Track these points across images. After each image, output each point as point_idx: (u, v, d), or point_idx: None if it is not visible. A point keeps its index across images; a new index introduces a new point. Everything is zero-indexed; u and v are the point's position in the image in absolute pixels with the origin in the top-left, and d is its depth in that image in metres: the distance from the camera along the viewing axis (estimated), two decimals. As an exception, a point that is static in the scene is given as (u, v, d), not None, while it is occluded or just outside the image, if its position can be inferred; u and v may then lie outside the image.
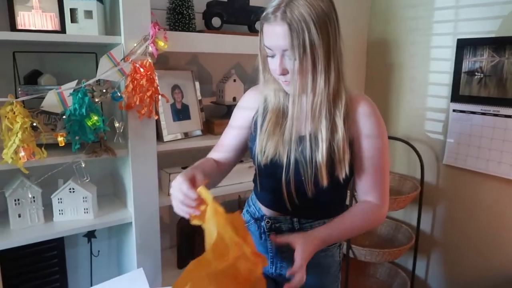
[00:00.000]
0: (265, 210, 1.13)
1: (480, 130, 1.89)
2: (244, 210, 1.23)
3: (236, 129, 1.14)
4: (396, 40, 2.22)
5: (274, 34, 0.90)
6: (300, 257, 0.91)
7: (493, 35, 1.80)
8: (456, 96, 1.96)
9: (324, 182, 0.98)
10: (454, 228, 2.07)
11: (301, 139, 1.00)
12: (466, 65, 1.92)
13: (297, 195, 1.02)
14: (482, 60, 1.86)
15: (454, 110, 1.98)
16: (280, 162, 1.00)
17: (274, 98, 1.03)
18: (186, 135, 1.66)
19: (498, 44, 1.79)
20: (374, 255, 2.00)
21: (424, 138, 2.14)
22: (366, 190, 1.07)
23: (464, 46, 1.91)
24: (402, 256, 2.18)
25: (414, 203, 2.12)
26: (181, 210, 0.92)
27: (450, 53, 1.98)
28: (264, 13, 0.92)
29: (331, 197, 1.08)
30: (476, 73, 1.88)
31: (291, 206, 1.04)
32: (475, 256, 1.99)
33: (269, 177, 1.06)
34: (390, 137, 2.13)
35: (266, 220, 1.11)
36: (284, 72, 0.93)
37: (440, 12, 2.00)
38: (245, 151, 1.18)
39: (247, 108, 1.12)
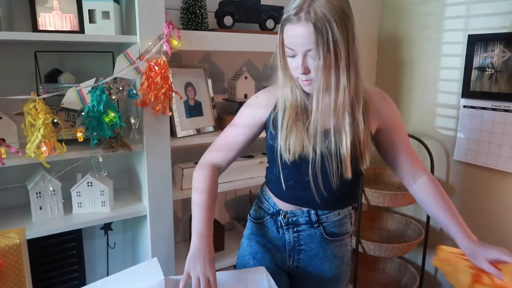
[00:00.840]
0: (281, 205, 1.16)
1: (491, 126, 1.89)
2: (256, 207, 1.25)
3: (243, 128, 1.15)
4: (407, 37, 2.22)
5: (298, 34, 0.92)
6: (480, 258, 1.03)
7: (505, 31, 1.80)
8: (466, 92, 1.97)
9: (349, 174, 1.03)
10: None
11: (326, 134, 1.03)
12: (477, 61, 1.92)
13: (324, 188, 1.06)
14: (493, 56, 1.86)
15: (464, 106, 1.99)
16: (306, 157, 1.03)
17: (291, 96, 1.04)
18: (199, 131, 1.71)
19: (509, 40, 1.79)
20: (383, 249, 2.02)
21: (434, 134, 2.15)
22: (414, 167, 1.16)
23: (475, 42, 1.91)
24: (411, 252, 2.19)
25: (424, 199, 2.13)
26: None
27: (461, 49, 1.98)
28: (285, 15, 0.95)
29: (351, 187, 1.12)
30: (487, 69, 1.89)
31: (319, 198, 1.08)
32: (485, 252, 1.99)
33: (293, 172, 1.08)
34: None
35: (283, 215, 1.15)
36: (306, 71, 0.96)
37: (451, 8, 2.01)
38: (246, 150, 1.20)
39: (258, 107, 1.13)
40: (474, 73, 1.93)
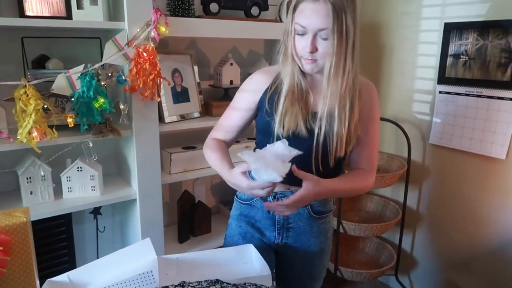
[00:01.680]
0: None
1: (464, 110, 2.00)
2: None
3: (241, 111, 1.21)
4: (387, 23, 2.29)
5: (315, 12, 0.99)
6: (297, 197, 1.03)
7: (481, 19, 1.88)
8: (442, 78, 2.06)
9: (342, 152, 1.11)
10: (438, 204, 2.19)
11: (322, 114, 1.10)
12: (452, 48, 2.01)
13: (314, 166, 1.13)
14: (468, 43, 1.95)
15: (440, 92, 2.08)
16: (300, 135, 1.10)
17: (290, 78, 1.11)
18: (186, 117, 1.74)
19: (482, 28, 1.88)
20: (362, 229, 2.12)
21: (411, 119, 2.24)
22: (363, 161, 1.20)
23: (451, 30, 2.00)
24: (389, 231, 2.31)
25: (401, 181, 2.24)
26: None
27: (437, 37, 2.06)
28: None
29: (335, 169, 1.19)
30: (462, 56, 1.98)
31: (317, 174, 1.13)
32: (457, 230, 2.12)
33: None
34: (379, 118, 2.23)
35: (272, 195, 1.20)
36: (314, 50, 1.02)
37: (429, -4, 2.08)
38: (244, 132, 1.26)
39: (252, 91, 1.18)
40: (449, 60, 2.02)
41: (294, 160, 0.99)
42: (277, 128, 1.11)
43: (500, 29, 1.81)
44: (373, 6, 2.34)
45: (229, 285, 0.88)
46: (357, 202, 2.46)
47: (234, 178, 1.05)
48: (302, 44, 1.04)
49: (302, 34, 1.03)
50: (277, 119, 1.11)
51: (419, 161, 2.24)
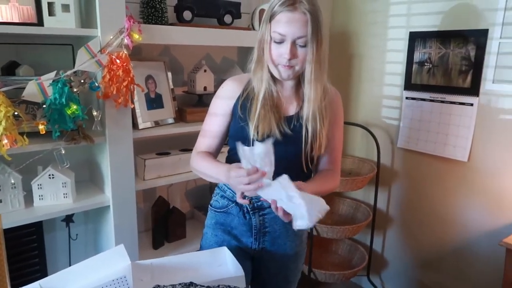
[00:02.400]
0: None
1: (429, 115, 2.09)
2: (218, 197, 1.31)
3: (220, 116, 1.23)
4: (356, 32, 2.38)
5: (294, 21, 1.05)
6: None
7: (443, 29, 1.98)
8: (408, 84, 2.16)
9: (322, 150, 1.18)
10: (407, 205, 2.28)
11: (295, 118, 1.17)
12: (417, 56, 2.10)
13: (288, 170, 1.16)
14: (431, 51, 2.05)
15: (406, 98, 2.17)
16: (276, 139, 1.13)
17: (262, 85, 1.15)
18: (160, 123, 1.75)
19: (444, 37, 1.98)
20: (335, 231, 2.18)
21: (380, 124, 2.33)
22: (329, 162, 1.26)
23: (415, 38, 2.09)
24: (361, 233, 2.37)
25: (372, 184, 2.31)
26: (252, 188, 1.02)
27: (403, 45, 2.16)
28: (277, 5, 1.07)
29: (308, 172, 1.24)
30: (426, 64, 2.08)
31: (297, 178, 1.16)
32: (425, 230, 2.21)
33: None
34: (350, 123, 2.31)
35: (248, 199, 1.21)
36: (292, 57, 1.08)
37: (395, 6, 2.18)
38: (226, 137, 1.28)
39: (225, 98, 1.22)
40: (415, 67, 2.12)
41: (281, 164, 1.03)
42: (252, 134, 1.14)
43: (460, 39, 1.91)
44: (343, 17, 2.42)
45: (203, 287, 0.90)
46: (330, 205, 2.50)
47: (232, 168, 1.06)
48: (280, 51, 1.09)
49: (280, 42, 1.08)
50: (251, 124, 1.15)
51: (388, 165, 2.32)
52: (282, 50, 1.09)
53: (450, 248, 2.11)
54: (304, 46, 1.08)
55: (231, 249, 1.23)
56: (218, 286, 0.93)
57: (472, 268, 2.02)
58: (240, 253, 1.26)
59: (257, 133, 1.14)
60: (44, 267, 1.68)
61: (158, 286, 0.93)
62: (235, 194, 1.24)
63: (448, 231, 2.10)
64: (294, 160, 1.17)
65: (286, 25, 1.06)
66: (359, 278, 2.51)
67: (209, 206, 1.35)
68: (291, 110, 1.20)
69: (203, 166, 1.22)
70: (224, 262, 1.18)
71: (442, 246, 2.14)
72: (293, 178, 1.11)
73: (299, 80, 1.20)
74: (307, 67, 1.11)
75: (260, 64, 1.16)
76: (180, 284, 0.93)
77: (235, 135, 1.22)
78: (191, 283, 0.94)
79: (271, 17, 1.09)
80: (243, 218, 1.25)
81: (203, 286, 0.92)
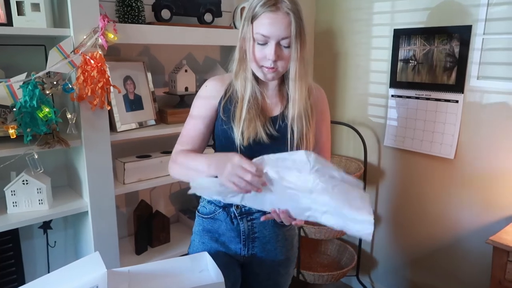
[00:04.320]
0: None
1: (415, 113, 2.07)
2: (205, 202, 1.26)
3: (202, 118, 1.17)
4: (341, 30, 2.35)
5: (278, 22, 1.01)
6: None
7: (427, 26, 1.96)
8: (394, 82, 2.13)
9: (310, 149, 1.14)
10: (394, 204, 2.26)
11: (279, 119, 1.14)
12: (402, 54, 2.08)
13: None
14: (415, 48, 2.03)
15: (392, 96, 2.15)
16: (260, 141, 1.10)
17: (245, 86, 1.11)
18: (140, 125, 1.71)
19: (428, 34, 1.96)
20: (323, 232, 2.15)
21: (367, 122, 2.30)
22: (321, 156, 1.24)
23: (400, 35, 2.07)
24: (349, 232, 2.35)
25: (359, 183, 2.29)
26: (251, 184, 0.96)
27: (388, 42, 2.14)
28: (259, 6, 1.03)
29: None
30: (411, 61, 2.06)
31: None
32: (413, 228, 2.19)
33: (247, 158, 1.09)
34: (336, 122, 2.28)
35: (235, 206, 1.18)
36: (277, 58, 1.05)
37: (378, 4, 2.15)
38: (209, 140, 1.22)
39: (210, 98, 1.16)
40: (400, 65, 2.10)
41: None
42: (237, 138, 1.10)
43: (444, 35, 1.90)
44: (328, 15, 2.39)
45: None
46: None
47: (229, 153, 1.00)
48: (265, 53, 1.05)
49: (263, 44, 1.05)
50: (236, 128, 1.10)
51: (375, 163, 2.30)
52: (266, 52, 1.05)
53: (438, 246, 2.09)
54: (288, 46, 1.05)
55: (219, 256, 1.19)
56: (195, 293, 0.89)
57: (461, 266, 2.00)
58: (228, 260, 1.22)
59: (243, 138, 1.10)
60: (22, 276, 1.62)
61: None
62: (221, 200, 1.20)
63: (437, 229, 2.08)
64: None
65: (270, 26, 1.02)
66: (349, 279, 2.49)
67: (197, 212, 1.30)
68: (276, 110, 1.16)
69: (186, 161, 1.10)
70: (205, 268, 1.15)
71: (431, 244, 2.12)
72: None
73: (282, 79, 1.16)
74: (291, 66, 1.08)
75: (243, 65, 1.12)
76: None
77: (218, 137, 1.18)
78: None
79: (253, 18, 1.05)
80: (230, 223, 1.21)
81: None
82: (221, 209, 1.21)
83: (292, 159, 0.98)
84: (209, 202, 1.24)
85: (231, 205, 1.19)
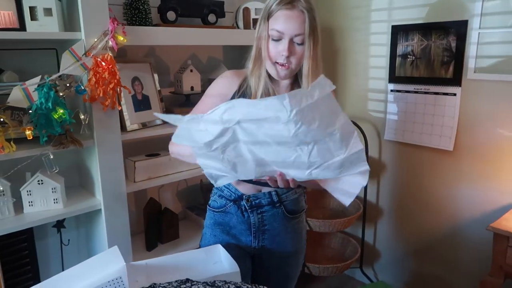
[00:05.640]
0: (243, 189, 1.23)
1: (414, 107, 2.13)
2: (215, 196, 1.30)
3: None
4: (341, 28, 2.40)
5: (292, 19, 1.06)
6: None
7: (421, 21, 2.02)
8: (392, 77, 2.19)
9: None
10: (395, 196, 2.32)
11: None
12: (400, 49, 2.14)
13: None
14: (413, 44, 2.08)
15: (391, 90, 2.20)
16: None
17: (259, 84, 1.15)
18: (148, 124, 1.75)
19: (425, 30, 2.01)
20: (327, 225, 2.20)
21: (367, 117, 2.36)
22: None
23: (398, 32, 2.13)
24: (352, 226, 2.40)
25: (361, 176, 2.34)
26: None
27: (386, 39, 2.19)
28: (274, 4, 1.08)
29: None
30: (409, 56, 2.11)
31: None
32: (414, 219, 2.25)
33: None
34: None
35: (246, 199, 1.23)
36: (291, 54, 1.09)
37: (376, 1, 2.20)
38: None
39: (221, 94, 1.19)
40: (398, 60, 2.15)
41: None
42: None
43: (441, 30, 1.95)
44: (327, 13, 2.44)
45: (199, 283, 0.91)
46: (321, 200, 2.54)
47: None
48: (278, 49, 1.09)
49: (278, 40, 1.09)
50: None
51: (376, 157, 2.35)
52: (280, 48, 1.09)
53: (440, 236, 2.15)
54: (301, 44, 1.09)
55: (230, 248, 1.23)
56: (214, 281, 0.94)
57: (462, 254, 2.06)
58: (239, 252, 1.26)
59: None
60: (37, 274, 1.66)
61: (155, 284, 0.93)
62: (233, 192, 1.25)
63: (438, 220, 2.14)
64: None
65: (284, 22, 1.07)
66: (353, 270, 2.54)
67: (208, 206, 1.34)
68: None
69: (183, 147, 1.10)
70: (219, 260, 1.19)
71: (433, 235, 2.18)
72: None
73: (295, 79, 1.20)
74: (304, 63, 1.12)
75: (258, 62, 1.16)
76: (176, 281, 0.93)
77: None
78: (187, 280, 0.94)
79: (269, 15, 1.10)
80: (241, 216, 1.25)
81: (199, 282, 0.93)
82: (231, 203, 1.26)
83: (264, 105, 0.83)
84: (220, 196, 1.29)
85: (241, 198, 1.23)
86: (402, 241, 2.34)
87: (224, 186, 1.27)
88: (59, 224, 1.68)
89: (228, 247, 1.23)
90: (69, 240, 1.77)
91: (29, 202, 1.48)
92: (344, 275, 2.57)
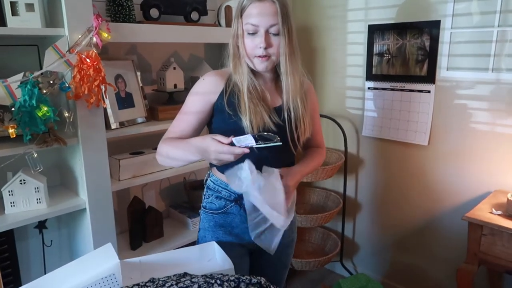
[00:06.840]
0: None
1: (391, 103, 2.20)
2: (212, 198, 1.28)
3: (196, 114, 1.19)
4: (317, 27, 2.45)
5: (265, 10, 1.09)
6: (289, 181, 1.15)
7: (399, 21, 2.10)
8: (369, 75, 2.26)
9: (308, 133, 1.25)
10: (374, 191, 2.39)
11: (282, 108, 1.21)
12: (376, 48, 2.21)
13: (295, 149, 1.24)
14: (389, 43, 2.16)
15: (369, 88, 2.27)
16: (271, 129, 1.16)
17: (245, 79, 1.16)
18: (132, 122, 1.74)
19: (400, 29, 2.09)
20: (308, 220, 2.24)
21: (346, 114, 2.42)
22: (317, 143, 1.37)
23: (374, 31, 2.20)
24: (332, 221, 2.46)
25: (340, 173, 2.40)
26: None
27: (363, 38, 2.26)
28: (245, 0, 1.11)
29: (294, 159, 1.31)
30: (385, 55, 2.18)
31: (283, 164, 1.20)
32: (391, 213, 2.33)
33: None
34: (317, 115, 2.38)
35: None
36: (268, 46, 1.11)
37: (352, 1, 2.27)
38: (199, 134, 1.24)
39: (208, 93, 1.19)
40: (375, 59, 2.22)
41: (273, 151, 1.04)
42: (247, 127, 1.14)
43: (416, 30, 2.03)
44: (304, 12, 2.48)
45: (198, 277, 0.92)
46: (301, 195, 2.58)
47: (204, 140, 1.04)
48: (256, 42, 1.12)
49: (254, 33, 1.11)
50: (245, 119, 1.14)
51: (354, 153, 2.42)
52: (257, 41, 1.12)
53: (418, 227, 2.23)
54: (277, 34, 1.12)
55: (233, 247, 1.24)
56: (211, 274, 0.96)
57: (440, 244, 2.15)
58: (240, 249, 1.28)
59: (252, 127, 1.14)
60: (18, 276, 1.62)
61: (154, 278, 0.93)
62: (233, 192, 1.25)
63: (415, 212, 2.23)
64: (285, 147, 1.20)
65: (258, 15, 1.09)
66: (333, 264, 2.61)
67: (202, 208, 1.32)
68: (277, 101, 1.23)
69: (171, 148, 1.15)
70: (213, 257, 1.19)
71: (410, 226, 2.27)
72: (285, 161, 1.20)
73: (276, 74, 1.23)
74: (281, 59, 1.14)
75: (237, 59, 1.18)
76: (174, 275, 0.94)
77: (226, 132, 1.15)
78: (185, 274, 0.95)
79: (242, 11, 1.13)
80: (244, 215, 1.24)
81: (197, 276, 0.94)
82: (233, 203, 1.26)
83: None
84: (218, 197, 1.27)
85: (242, 197, 1.22)
86: (380, 234, 2.42)
87: (221, 187, 1.26)
88: (41, 225, 1.64)
89: (232, 247, 1.24)
90: (51, 241, 1.74)
91: (11, 202, 1.45)
92: (325, 269, 2.63)
